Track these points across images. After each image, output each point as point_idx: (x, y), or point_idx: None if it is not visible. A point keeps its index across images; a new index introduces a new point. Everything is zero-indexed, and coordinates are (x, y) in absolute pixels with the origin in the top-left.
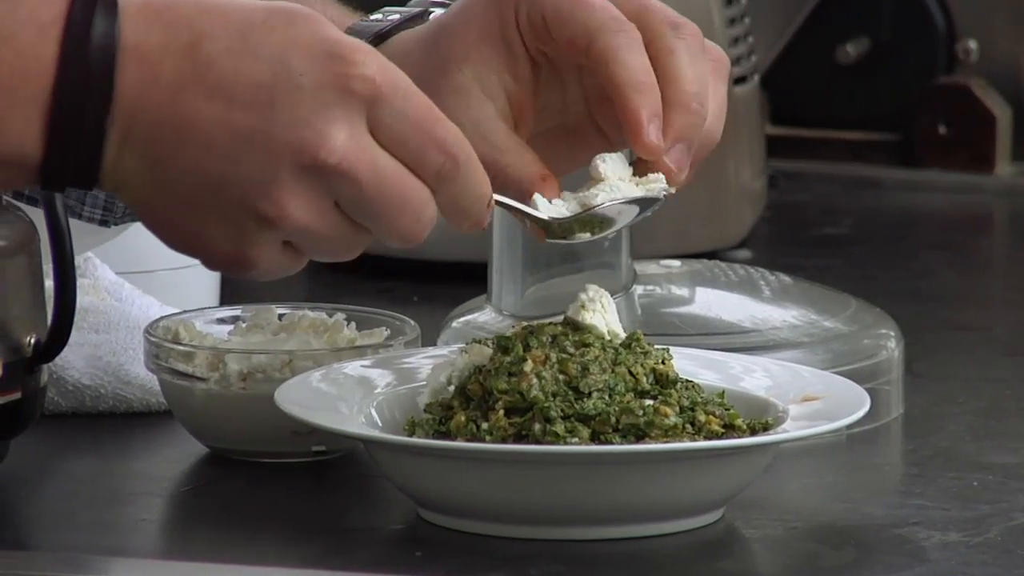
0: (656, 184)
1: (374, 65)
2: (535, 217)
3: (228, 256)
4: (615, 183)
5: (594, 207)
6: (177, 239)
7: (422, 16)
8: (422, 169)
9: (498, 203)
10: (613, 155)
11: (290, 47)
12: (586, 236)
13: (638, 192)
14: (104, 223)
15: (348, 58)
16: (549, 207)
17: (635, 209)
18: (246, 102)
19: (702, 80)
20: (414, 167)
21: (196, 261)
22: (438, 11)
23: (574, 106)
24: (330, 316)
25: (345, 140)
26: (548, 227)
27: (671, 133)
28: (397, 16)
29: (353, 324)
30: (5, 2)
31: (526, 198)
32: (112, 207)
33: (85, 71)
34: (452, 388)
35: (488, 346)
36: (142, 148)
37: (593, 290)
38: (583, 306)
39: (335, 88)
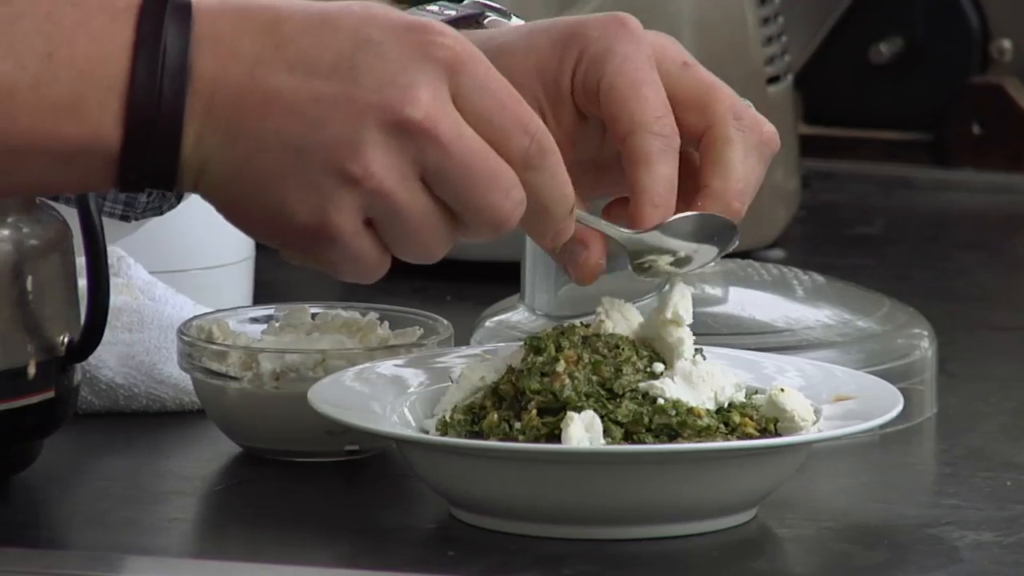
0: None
1: (452, 35)
2: (614, 236)
3: (309, 228)
4: None
5: (665, 221)
6: (256, 218)
7: (476, 18)
8: (507, 149)
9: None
10: None
11: (368, 21)
12: (666, 262)
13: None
14: (125, 218)
15: (427, 27)
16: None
17: (713, 249)
18: (327, 71)
19: (750, 178)
20: (498, 145)
21: (229, 259)
22: (493, 17)
23: (608, 150)
24: (363, 315)
25: (430, 99)
26: (625, 249)
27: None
28: (453, 12)
29: (386, 323)
30: None
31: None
32: (133, 202)
33: (161, 53)
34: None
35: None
36: (224, 124)
37: (607, 301)
38: (602, 321)
39: (416, 53)
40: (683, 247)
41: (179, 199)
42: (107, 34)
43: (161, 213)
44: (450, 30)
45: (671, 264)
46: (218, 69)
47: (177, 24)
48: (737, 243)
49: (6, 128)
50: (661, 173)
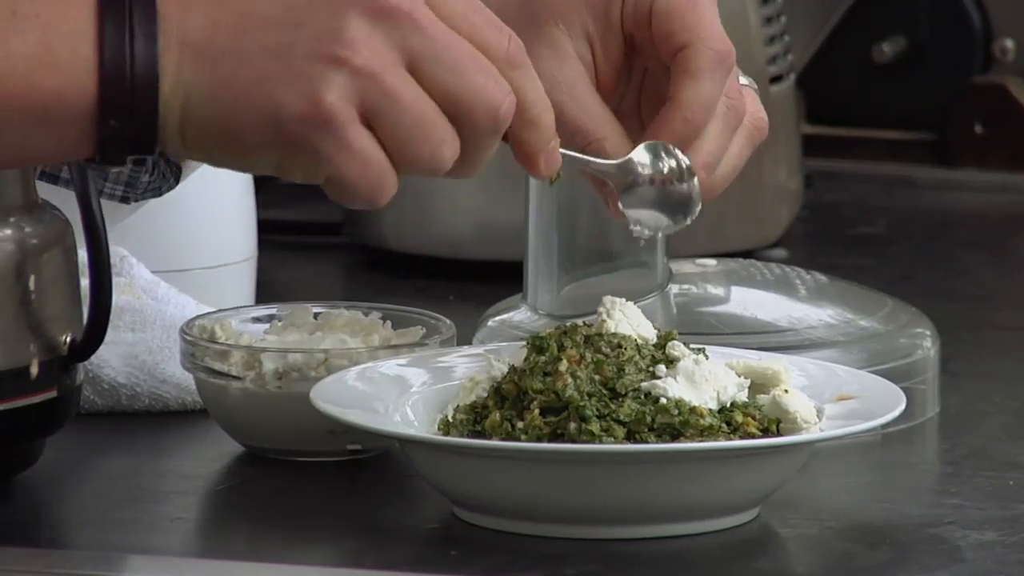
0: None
1: None
2: (603, 171)
3: (304, 116)
4: None
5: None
6: (247, 132)
7: None
8: (486, 46)
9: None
10: None
11: None
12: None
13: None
14: (125, 199)
15: None
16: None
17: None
18: None
19: (725, 153)
20: (478, 43)
21: (232, 258)
22: None
23: (630, 98)
24: (366, 315)
25: None
26: (616, 179)
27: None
28: None
29: (389, 323)
30: None
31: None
32: (135, 182)
33: None
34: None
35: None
36: (201, 50)
37: (608, 301)
38: (603, 320)
39: None
40: (665, 168)
41: (177, 180)
42: None
43: (160, 194)
44: None
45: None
46: (185, 5)
47: None
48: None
49: None
50: (706, 90)
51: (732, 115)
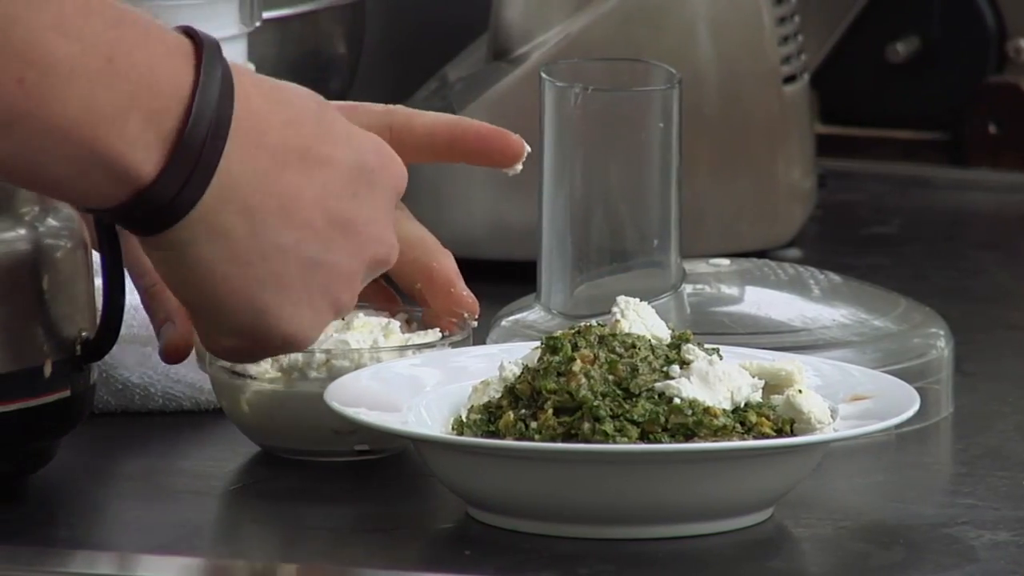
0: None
1: (398, 160)
2: None
3: (290, 338)
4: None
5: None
6: (245, 313)
7: None
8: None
9: None
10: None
11: (356, 134)
12: None
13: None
14: None
15: (389, 155)
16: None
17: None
18: (338, 190)
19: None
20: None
21: None
22: None
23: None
24: (393, 316)
25: (395, 236)
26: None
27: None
28: None
29: (405, 325)
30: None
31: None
32: None
33: (213, 102)
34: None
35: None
36: (244, 206)
37: (623, 301)
38: (618, 320)
39: (390, 188)
40: None
41: None
42: (164, 66)
43: None
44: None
45: None
46: (245, 155)
47: (224, 74)
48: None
49: (50, 107)
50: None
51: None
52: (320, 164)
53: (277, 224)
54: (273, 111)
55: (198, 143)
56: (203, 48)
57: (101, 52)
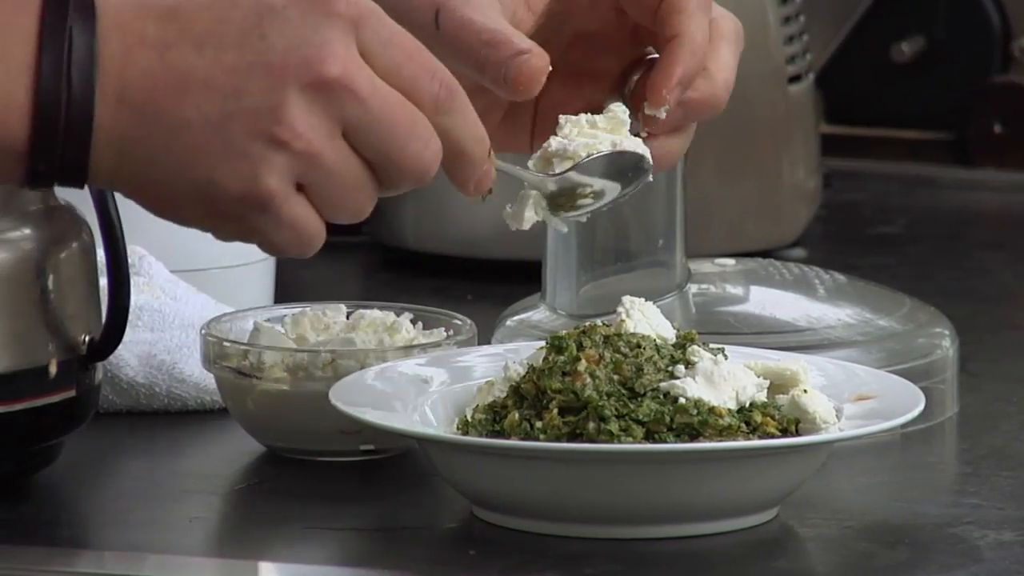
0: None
1: None
2: (538, 185)
3: (241, 198)
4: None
5: (586, 158)
6: (183, 199)
7: None
8: (418, 96)
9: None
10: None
11: None
12: (572, 212)
13: (627, 145)
14: None
15: None
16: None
17: (616, 186)
18: (237, 43)
19: (731, 68)
20: (409, 94)
21: (251, 257)
22: None
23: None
24: (398, 315)
25: (344, 55)
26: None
27: (675, 77)
28: None
29: (411, 324)
30: None
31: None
32: None
33: (67, 43)
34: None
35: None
36: (139, 109)
37: (628, 301)
38: (623, 320)
39: (320, 12)
40: (597, 183)
41: None
42: (10, 26)
43: None
44: None
45: (587, 198)
46: (126, 57)
47: (82, 15)
48: (649, 176)
49: None
50: (701, 22)
51: (735, 34)
52: (208, 31)
53: (171, 104)
54: (145, 10)
55: (58, 86)
56: None
57: None
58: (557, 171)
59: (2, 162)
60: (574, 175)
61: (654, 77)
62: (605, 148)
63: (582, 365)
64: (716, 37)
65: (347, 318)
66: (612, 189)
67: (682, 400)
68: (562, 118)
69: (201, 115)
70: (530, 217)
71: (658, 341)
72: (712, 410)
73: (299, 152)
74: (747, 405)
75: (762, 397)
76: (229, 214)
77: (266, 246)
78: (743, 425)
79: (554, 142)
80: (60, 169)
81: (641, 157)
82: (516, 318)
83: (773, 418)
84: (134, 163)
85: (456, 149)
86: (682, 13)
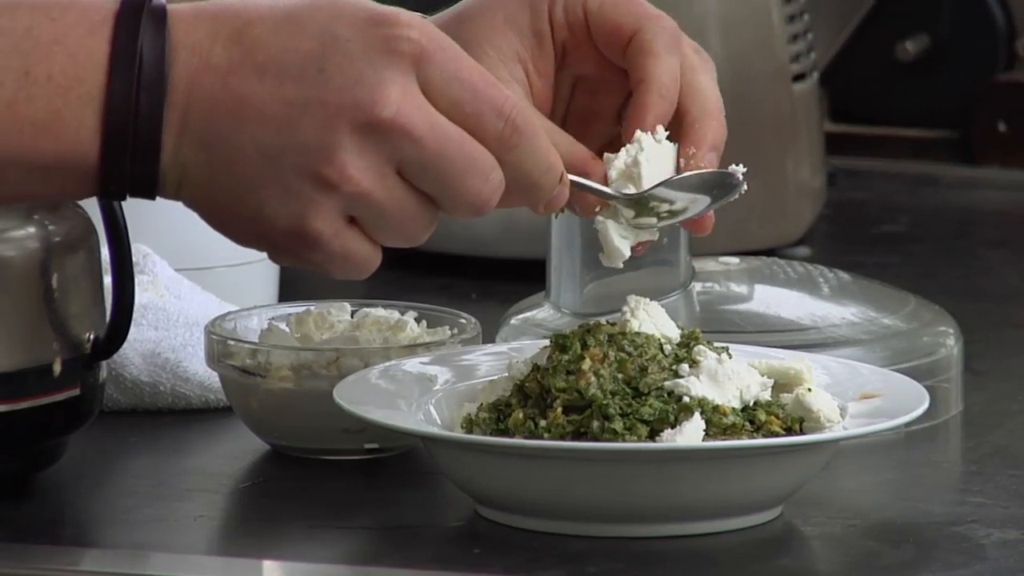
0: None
1: (418, 26)
2: (608, 196)
3: (290, 232)
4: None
5: (669, 179)
6: (239, 224)
7: None
8: (482, 133)
9: (572, 182)
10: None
11: (335, 18)
12: (652, 221)
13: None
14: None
15: (391, 20)
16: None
17: (706, 199)
18: (297, 74)
19: (719, 98)
20: (473, 131)
21: (255, 256)
22: None
23: (557, 112)
24: (402, 313)
25: (399, 96)
26: (618, 208)
27: (707, 143)
28: None
29: (415, 323)
30: (55, 6)
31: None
32: None
33: (136, 66)
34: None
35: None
36: (199, 133)
37: (633, 300)
38: (627, 319)
39: (382, 50)
40: (681, 198)
41: None
42: (84, 49)
43: None
44: (416, 19)
45: (666, 213)
46: (192, 79)
47: (152, 36)
48: (742, 189)
49: None
50: (671, 64)
51: (707, 64)
52: (272, 57)
53: (229, 130)
54: (219, 28)
55: (128, 109)
56: (123, 10)
57: (15, 70)
58: (645, 188)
59: (78, 181)
60: (660, 191)
61: (629, 119)
62: (694, 169)
63: (586, 364)
64: (688, 71)
65: (351, 317)
66: (698, 203)
67: (686, 399)
68: (639, 133)
69: (255, 147)
70: (621, 247)
71: (662, 340)
72: (716, 409)
73: (348, 194)
74: (751, 404)
75: (766, 396)
76: (280, 245)
77: (320, 272)
78: (747, 424)
79: (640, 158)
80: (131, 187)
81: (726, 175)
82: (520, 317)
83: (777, 417)
84: (194, 184)
85: (525, 182)
86: (648, 55)
